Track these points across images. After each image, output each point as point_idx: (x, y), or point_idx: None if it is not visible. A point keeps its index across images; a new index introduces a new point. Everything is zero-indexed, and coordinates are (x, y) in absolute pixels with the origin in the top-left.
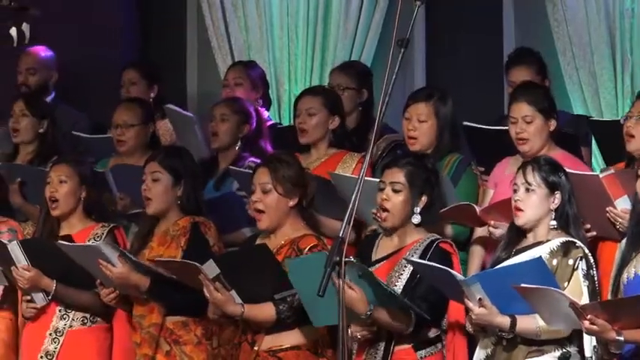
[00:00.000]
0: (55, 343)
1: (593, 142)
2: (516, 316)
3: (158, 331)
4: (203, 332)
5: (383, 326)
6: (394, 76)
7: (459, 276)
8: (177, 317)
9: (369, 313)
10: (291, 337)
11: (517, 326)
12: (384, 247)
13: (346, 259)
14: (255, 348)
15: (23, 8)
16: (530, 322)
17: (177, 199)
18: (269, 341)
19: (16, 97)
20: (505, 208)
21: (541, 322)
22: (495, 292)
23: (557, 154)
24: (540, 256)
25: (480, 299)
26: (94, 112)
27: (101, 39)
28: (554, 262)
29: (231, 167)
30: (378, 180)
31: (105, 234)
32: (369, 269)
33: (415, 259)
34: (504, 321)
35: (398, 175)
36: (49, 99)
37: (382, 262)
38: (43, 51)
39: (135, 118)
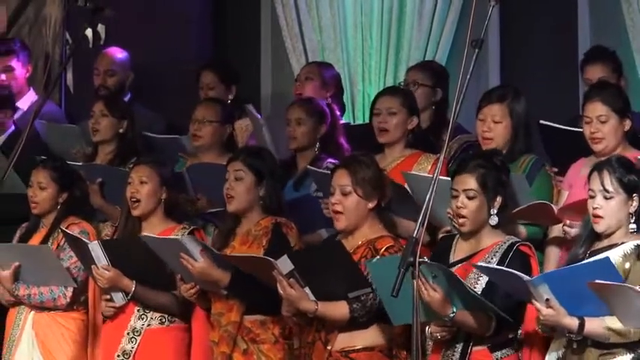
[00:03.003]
0: (132, 342)
1: None
2: (585, 318)
3: (236, 330)
4: (281, 331)
5: (464, 328)
6: (468, 77)
7: (526, 277)
8: (256, 316)
9: (452, 315)
10: (364, 338)
11: (585, 328)
12: (461, 249)
13: (420, 260)
14: (328, 347)
15: (98, 9)
16: (599, 325)
17: (260, 199)
18: (342, 341)
19: (96, 99)
20: (583, 208)
21: (610, 325)
22: (563, 292)
23: (632, 154)
24: (607, 257)
25: (547, 300)
26: (168, 112)
27: (175, 40)
28: (627, 265)
29: (309, 167)
30: (450, 180)
31: (185, 235)
32: (451, 272)
33: (493, 263)
34: (572, 322)
35: (470, 182)
36: (125, 99)
37: (460, 265)
38: (119, 52)
39: (213, 116)
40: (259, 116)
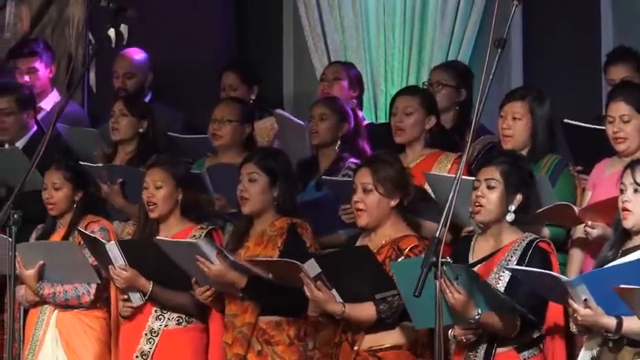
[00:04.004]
0: (150, 343)
1: None
2: (623, 317)
3: (251, 331)
4: (296, 333)
5: (489, 330)
6: (491, 77)
7: (564, 277)
8: (271, 317)
9: (477, 317)
10: (392, 337)
11: (623, 327)
12: (480, 248)
13: (443, 260)
14: (355, 348)
15: (121, 9)
16: (637, 324)
17: (274, 200)
18: (369, 340)
19: (116, 98)
20: (604, 209)
21: None
22: (600, 292)
23: None
24: None
25: (585, 300)
26: (190, 111)
27: (198, 39)
28: None
29: (324, 177)
30: (473, 178)
31: (203, 236)
32: (476, 273)
33: (513, 262)
34: (610, 322)
35: (493, 173)
36: (146, 100)
37: (480, 265)
38: (137, 53)
39: (233, 115)
40: (302, 122)
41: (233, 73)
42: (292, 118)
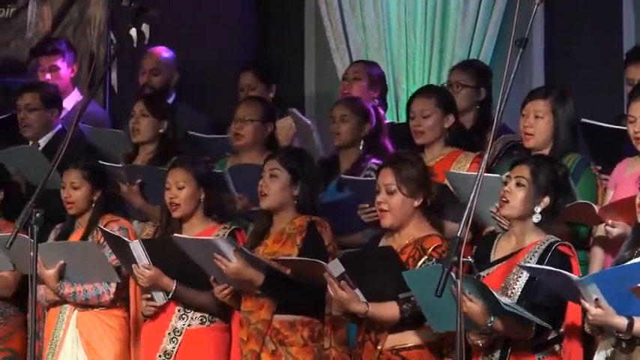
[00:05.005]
0: (173, 342)
1: None
2: (634, 317)
3: (266, 328)
4: (310, 334)
5: (504, 335)
6: (512, 76)
7: (575, 277)
8: (284, 316)
9: (489, 325)
10: (415, 336)
11: (634, 327)
12: (502, 247)
13: (464, 260)
14: (379, 347)
15: (143, 9)
16: None
17: (294, 199)
18: (392, 340)
19: (137, 98)
20: (625, 208)
21: None
22: (612, 292)
23: None
24: None
25: (596, 299)
26: (213, 112)
27: (219, 40)
28: None
29: (343, 176)
30: (494, 176)
31: (226, 235)
32: (483, 284)
33: (531, 264)
34: (621, 322)
35: (524, 171)
36: (170, 99)
37: (500, 264)
38: (164, 51)
39: (255, 114)
40: (309, 121)
41: (251, 73)
42: (301, 117)
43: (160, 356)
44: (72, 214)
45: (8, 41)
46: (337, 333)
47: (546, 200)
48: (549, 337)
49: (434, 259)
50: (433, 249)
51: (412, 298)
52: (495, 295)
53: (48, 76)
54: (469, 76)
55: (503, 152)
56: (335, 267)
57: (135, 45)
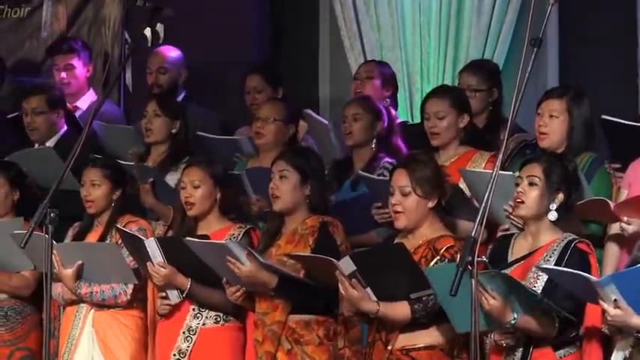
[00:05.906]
0: (187, 341)
1: None
2: None
3: (281, 330)
4: (325, 333)
5: (527, 333)
6: (527, 76)
7: (593, 278)
8: (300, 316)
9: (513, 322)
10: (426, 337)
11: None
12: (519, 247)
13: (478, 259)
14: (389, 347)
15: (157, 9)
16: None
17: (306, 198)
18: (403, 340)
19: (149, 98)
20: None
21: None
22: (630, 292)
23: None
24: None
25: (614, 300)
26: (224, 112)
27: (233, 39)
28: None
29: (359, 172)
30: (509, 173)
31: (241, 235)
32: (505, 272)
33: (551, 262)
34: None
35: (535, 170)
36: (179, 98)
37: (518, 264)
38: (170, 50)
39: (278, 114)
40: (326, 121)
41: (257, 76)
42: (318, 117)
43: (174, 355)
44: (91, 213)
45: (23, 41)
46: (351, 332)
47: (560, 196)
48: (571, 335)
49: (446, 260)
50: (445, 249)
51: (423, 298)
52: (525, 286)
53: (63, 74)
54: (481, 78)
55: (517, 151)
56: (346, 265)
57: (149, 45)
